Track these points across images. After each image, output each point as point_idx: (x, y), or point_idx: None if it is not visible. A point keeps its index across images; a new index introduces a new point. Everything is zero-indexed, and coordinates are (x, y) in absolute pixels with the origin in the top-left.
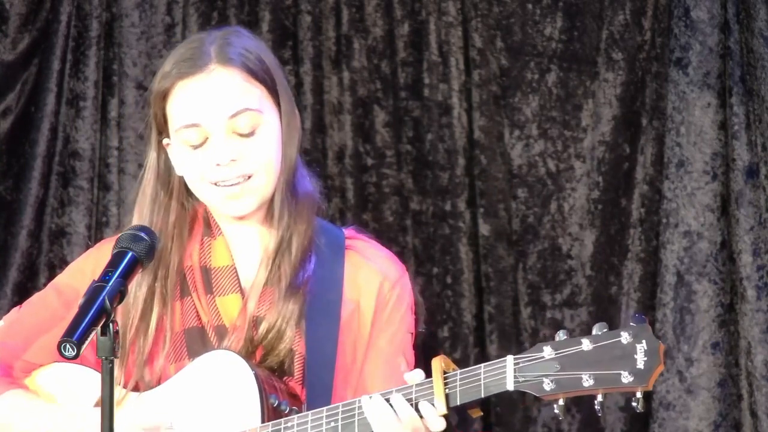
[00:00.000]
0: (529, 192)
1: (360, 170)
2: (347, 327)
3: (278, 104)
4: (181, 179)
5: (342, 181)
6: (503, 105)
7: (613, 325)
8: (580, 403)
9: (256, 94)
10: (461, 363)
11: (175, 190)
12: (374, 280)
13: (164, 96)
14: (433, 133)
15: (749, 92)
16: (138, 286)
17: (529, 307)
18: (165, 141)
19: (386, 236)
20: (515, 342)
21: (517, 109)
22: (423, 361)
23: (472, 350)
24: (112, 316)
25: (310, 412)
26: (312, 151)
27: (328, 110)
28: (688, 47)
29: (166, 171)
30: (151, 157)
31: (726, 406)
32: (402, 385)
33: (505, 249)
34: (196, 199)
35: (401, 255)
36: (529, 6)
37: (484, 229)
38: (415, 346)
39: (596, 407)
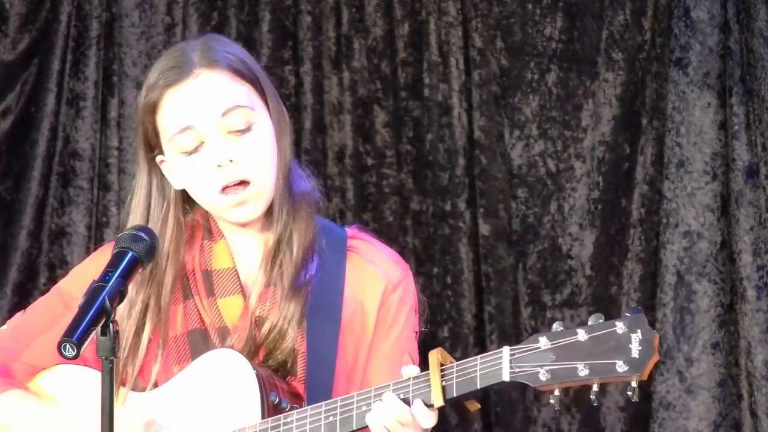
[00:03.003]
0: (529, 192)
1: (360, 170)
2: (349, 328)
3: (266, 102)
4: (177, 193)
5: (342, 181)
6: (503, 105)
7: None
8: (580, 403)
9: (244, 92)
10: None
11: (172, 207)
12: (377, 283)
13: (154, 108)
14: (433, 133)
15: (749, 92)
16: (131, 305)
17: (529, 307)
18: (159, 158)
19: (386, 236)
20: (515, 342)
21: (517, 109)
22: (423, 361)
23: (472, 350)
24: (112, 316)
25: (309, 407)
26: (312, 151)
27: (328, 110)
28: (688, 47)
29: (159, 190)
30: (142, 179)
31: (726, 406)
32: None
33: (505, 249)
34: (194, 207)
35: (401, 255)
36: (529, 6)
37: (484, 229)
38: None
39: (591, 397)
